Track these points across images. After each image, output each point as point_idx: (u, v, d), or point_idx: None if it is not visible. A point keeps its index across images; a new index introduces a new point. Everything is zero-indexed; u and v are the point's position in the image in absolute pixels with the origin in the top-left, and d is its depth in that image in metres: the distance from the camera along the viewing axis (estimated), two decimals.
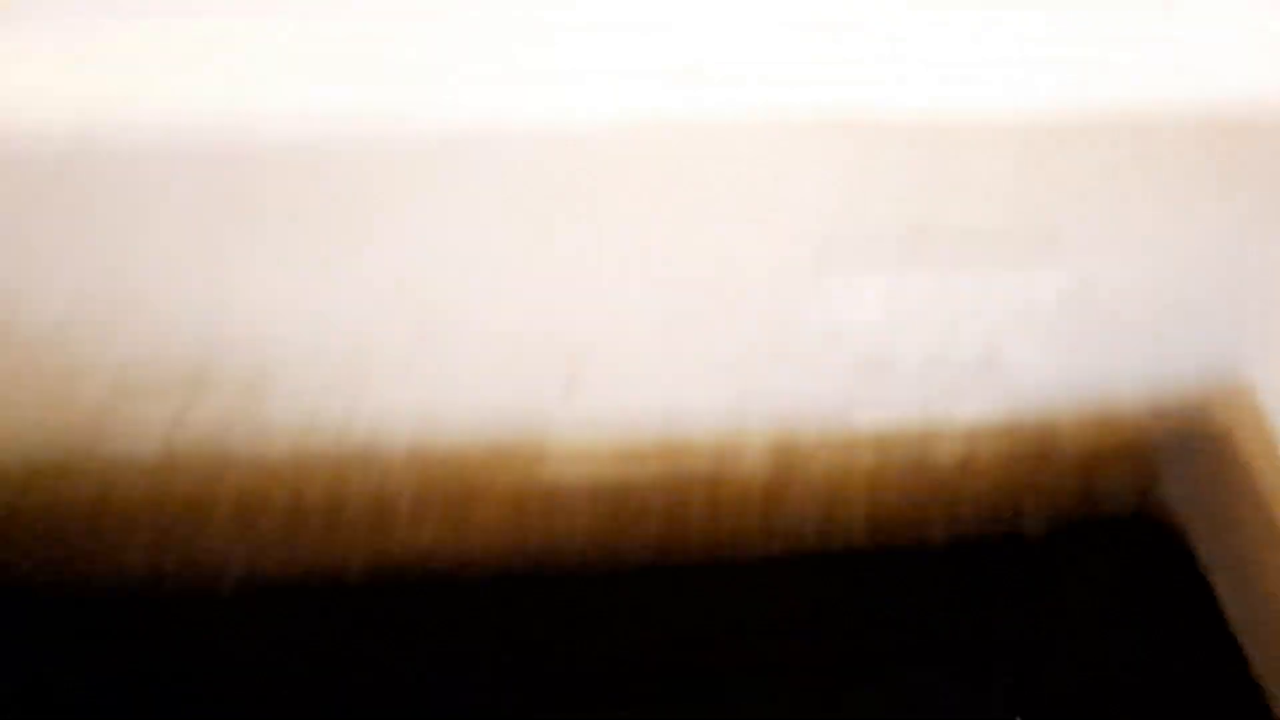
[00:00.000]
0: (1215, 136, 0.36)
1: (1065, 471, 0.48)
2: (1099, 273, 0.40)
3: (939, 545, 0.49)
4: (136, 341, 0.35)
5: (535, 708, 0.42)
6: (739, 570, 0.47)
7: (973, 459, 0.46)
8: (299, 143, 0.31)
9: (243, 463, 0.39)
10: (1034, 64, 0.35)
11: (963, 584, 0.50)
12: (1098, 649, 0.48)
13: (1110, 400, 0.45)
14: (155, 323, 0.35)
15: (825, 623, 0.48)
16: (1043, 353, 0.42)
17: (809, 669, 0.46)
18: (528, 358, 0.38)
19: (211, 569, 0.42)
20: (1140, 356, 0.44)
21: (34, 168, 0.31)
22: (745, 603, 0.48)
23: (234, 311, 0.35)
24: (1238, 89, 0.37)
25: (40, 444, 0.38)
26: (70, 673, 0.41)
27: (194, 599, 0.42)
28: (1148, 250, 0.40)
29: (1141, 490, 0.50)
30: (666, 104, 0.33)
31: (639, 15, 0.34)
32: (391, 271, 0.35)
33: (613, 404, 0.40)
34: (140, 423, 0.38)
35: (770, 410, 0.42)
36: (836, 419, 0.43)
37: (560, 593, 0.45)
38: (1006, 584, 0.50)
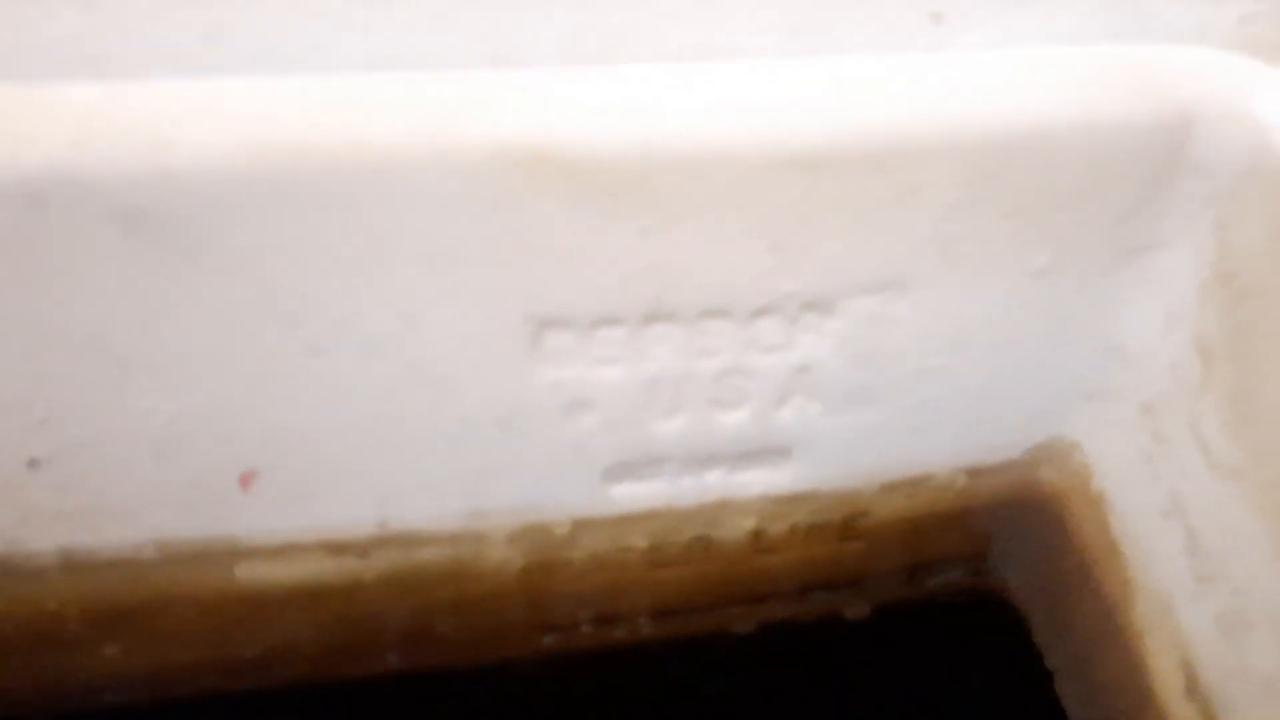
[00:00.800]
0: (1013, 173, 0.30)
1: (881, 545, 0.42)
2: (890, 329, 0.34)
3: (745, 632, 0.43)
4: None
5: None
6: (503, 669, 0.41)
7: (766, 536, 0.40)
8: None
9: None
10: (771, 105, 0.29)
11: (774, 672, 0.43)
12: None
13: (922, 466, 0.39)
14: None
15: None
16: (833, 416, 0.36)
17: None
18: (204, 449, 0.31)
19: None
20: (952, 417, 0.38)
21: None
22: (512, 706, 0.41)
23: None
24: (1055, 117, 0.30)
25: None
26: None
27: None
28: (951, 302, 0.34)
29: (972, 561, 0.44)
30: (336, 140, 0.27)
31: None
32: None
33: (318, 493, 0.34)
34: None
35: (512, 494, 0.35)
36: (594, 500, 0.36)
37: (281, 713, 0.38)
38: (826, 670, 0.44)
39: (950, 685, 0.45)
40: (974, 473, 0.41)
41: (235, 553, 0.35)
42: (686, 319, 0.32)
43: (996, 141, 0.30)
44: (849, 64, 0.31)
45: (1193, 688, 0.34)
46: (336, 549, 0.36)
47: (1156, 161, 0.31)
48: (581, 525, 0.38)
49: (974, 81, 0.30)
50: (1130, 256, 0.34)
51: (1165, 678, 0.35)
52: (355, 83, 0.27)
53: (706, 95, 0.29)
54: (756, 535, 0.40)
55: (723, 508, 0.39)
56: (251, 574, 0.35)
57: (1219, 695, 0.33)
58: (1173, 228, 0.33)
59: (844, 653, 0.45)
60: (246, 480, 0.33)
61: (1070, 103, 0.30)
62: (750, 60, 0.30)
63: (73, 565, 0.33)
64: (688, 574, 0.41)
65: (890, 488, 0.40)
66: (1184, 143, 0.31)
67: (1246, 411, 0.31)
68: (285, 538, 0.35)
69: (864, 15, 0.31)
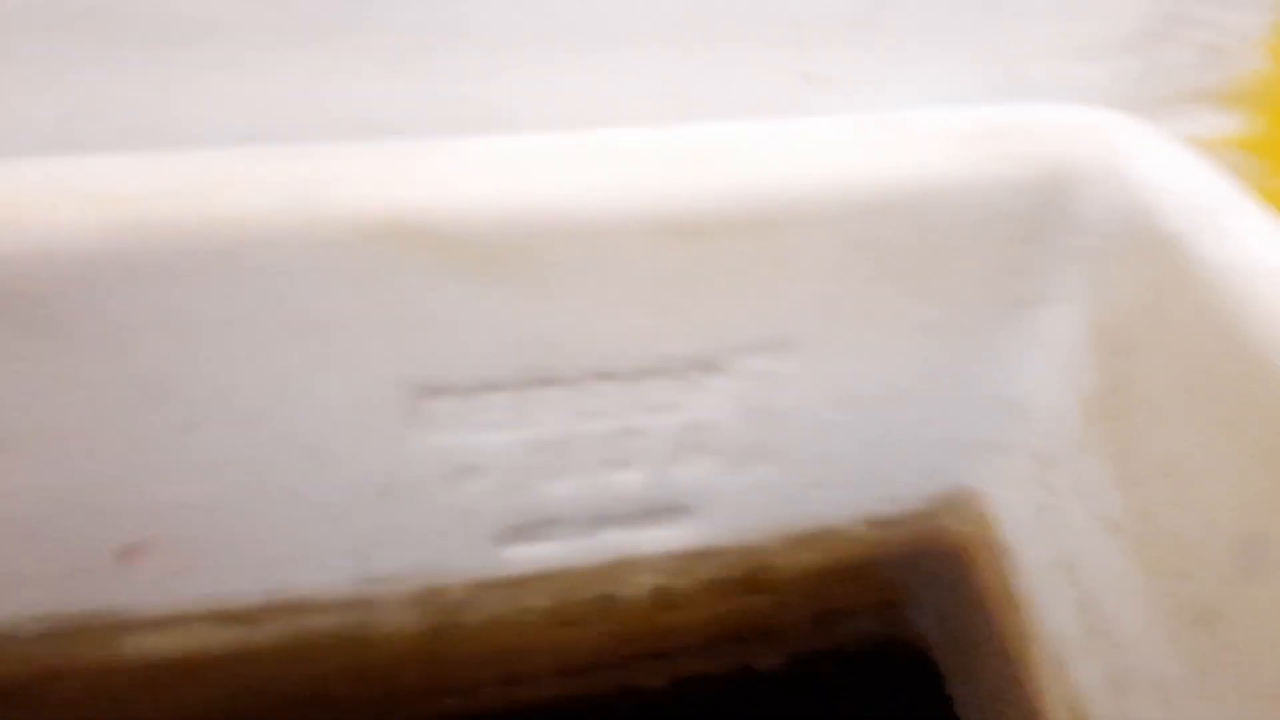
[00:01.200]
0: (900, 221, 0.31)
1: (789, 597, 0.42)
2: (782, 386, 0.34)
3: (655, 687, 0.43)
4: None
5: None
6: None
7: (670, 592, 0.40)
8: None
9: None
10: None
11: None
12: None
13: (825, 519, 0.39)
14: None
15: None
16: (730, 473, 0.36)
17: None
18: (78, 525, 0.31)
19: None
20: (852, 470, 0.38)
21: None
22: None
23: None
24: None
25: None
26: None
27: None
28: (842, 358, 0.34)
29: (884, 611, 0.44)
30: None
31: None
32: None
33: (202, 564, 0.33)
34: None
35: (403, 559, 0.35)
36: (489, 563, 0.36)
37: None
38: None
39: None
40: (878, 524, 0.41)
41: (121, 625, 0.34)
42: (572, 382, 0.32)
43: (874, 203, 0.30)
44: (726, 129, 0.31)
45: None
46: (225, 619, 0.35)
47: (1034, 219, 0.31)
48: (478, 588, 0.37)
49: (850, 144, 0.31)
50: (1016, 311, 0.34)
51: None
52: (219, 156, 0.27)
53: (582, 163, 0.29)
54: (660, 592, 0.40)
55: (623, 566, 0.38)
56: (139, 647, 0.35)
57: None
58: (1054, 284, 0.33)
59: (757, 705, 0.45)
60: (128, 554, 0.32)
61: (946, 163, 0.31)
62: (626, 127, 0.30)
63: None
64: (592, 633, 0.41)
65: (794, 541, 0.40)
66: (1060, 200, 0.31)
67: (1127, 466, 0.31)
68: (172, 609, 0.34)
69: (742, 79, 0.32)
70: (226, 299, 0.27)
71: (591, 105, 0.30)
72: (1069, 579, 0.35)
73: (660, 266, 0.30)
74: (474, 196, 0.28)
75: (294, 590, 0.35)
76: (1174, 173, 0.31)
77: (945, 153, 0.31)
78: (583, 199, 0.28)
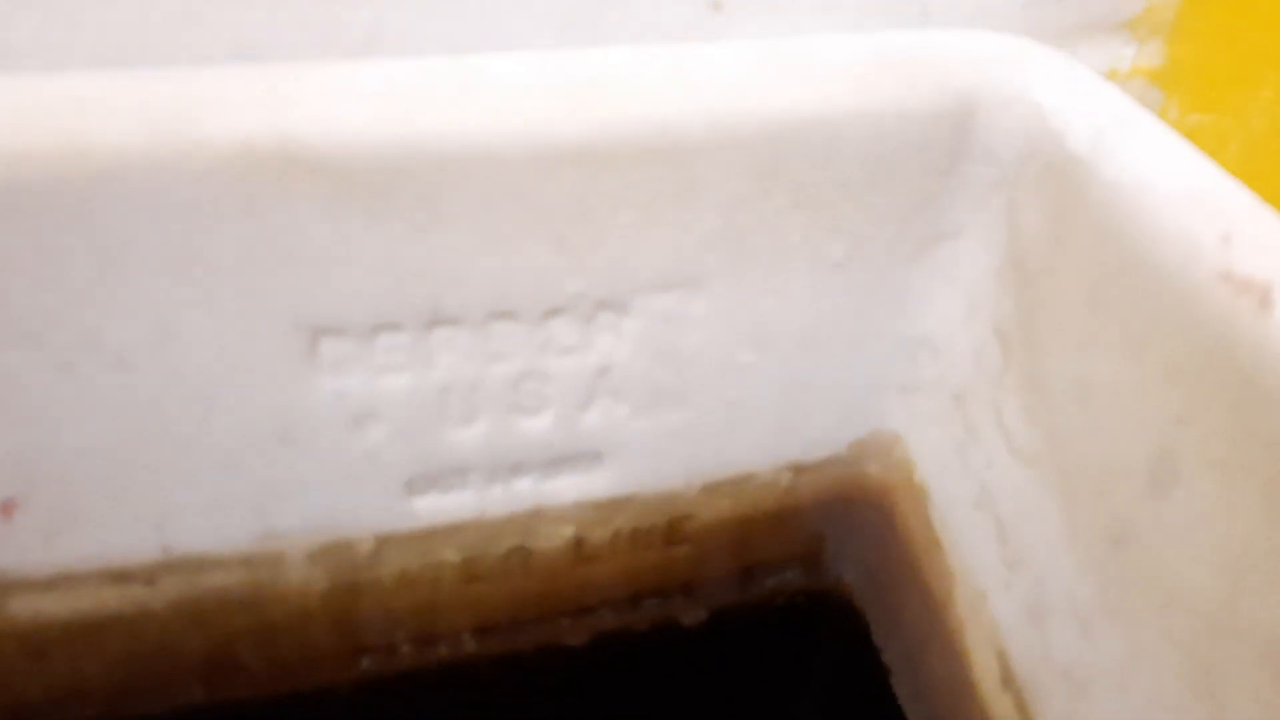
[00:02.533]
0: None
1: (710, 548, 0.42)
2: (690, 327, 0.33)
3: (576, 644, 0.42)
4: None
5: None
6: (320, 696, 0.39)
7: (587, 544, 0.39)
8: None
9: None
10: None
11: (609, 683, 0.43)
12: None
13: (742, 465, 0.39)
14: None
15: None
16: (641, 418, 0.35)
17: None
18: None
19: None
20: (767, 414, 0.38)
21: None
22: None
23: None
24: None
25: None
26: None
27: None
28: (751, 297, 0.33)
29: (807, 561, 0.44)
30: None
31: None
32: None
33: (89, 519, 0.32)
34: None
35: (306, 512, 0.34)
36: (396, 514, 0.35)
37: None
38: (663, 678, 0.43)
39: (791, 687, 0.45)
40: (798, 469, 0.41)
41: (5, 587, 0.33)
42: (473, 322, 0.31)
43: (777, 132, 0.30)
44: (625, 54, 0.30)
45: (1007, 679, 0.34)
46: (117, 578, 0.34)
47: (942, 148, 0.31)
48: (386, 541, 0.36)
49: (753, 71, 0.30)
50: (927, 245, 0.34)
51: (983, 670, 0.36)
52: (82, 80, 0.26)
53: (472, 88, 0.28)
54: (577, 544, 0.40)
55: (537, 516, 0.38)
56: (25, 609, 0.34)
57: (1029, 685, 0.33)
58: (965, 215, 0.33)
59: (681, 660, 0.44)
60: (5, 509, 0.31)
61: (851, 91, 0.30)
62: (520, 51, 0.29)
63: None
64: (508, 587, 0.40)
65: (712, 489, 0.40)
66: (968, 128, 0.31)
67: (1040, 396, 0.31)
68: (59, 568, 0.33)
69: (644, 3, 0.31)
70: (95, 233, 0.26)
71: (485, 29, 0.29)
72: (987, 516, 0.35)
73: (558, 199, 0.29)
74: (359, 123, 0.27)
75: (190, 546, 0.34)
76: (1083, 99, 0.31)
77: (853, 80, 0.31)
78: (473, 127, 0.28)
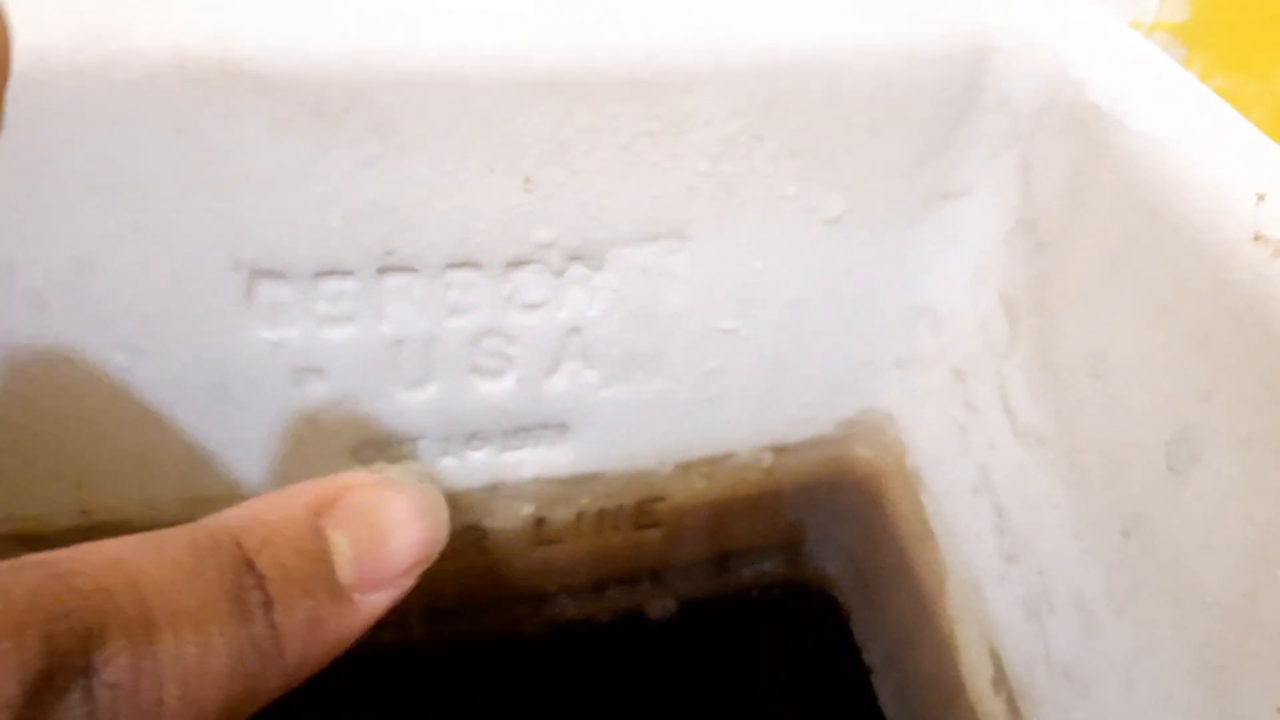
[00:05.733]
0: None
1: (683, 533, 0.40)
2: (670, 285, 0.32)
3: (532, 634, 0.41)
4: None
5: None
6: None
7: (548, 524, 0.38)
8: None
9: None
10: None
11: (566, 679, 0.41)
12: None
13: (721, 443, 0.38)
14: None
15: None
16: (613, 386, 0.34)
17: None
18: None
19: None
20: (750, 388, 0.36)
21: None
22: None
23: None
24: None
25: None
26: None
27: None
28: (738, 254, 0.32)
29: (786, 549, 0.43)
30: None
31: None
32: None
33: (1, 479, 0.30)
34: None
35: (241, 476, 0.33)
36: None
37: None
38: (626, 677, 0.42)
39: (766, 688, 0.44)
40: (780, 450, 0.39)
41: None
42: (428, 270, 0.30)
43: (775, 68, 0.29)
44: None
45: (1000, 678, 0.33)
46: (33, 542, 0.32)
47: (952, 94, 0.30)
48: None
49: (750, 2, 0.29)
50: (932, 203, 0.32)
51: (973, 669, 0.35)
52: None
53: (435, 5, 0.27)
54: (538, 523, 0.38)
55: (495, 492, 0.37)
56: None
57: (1024, 684, 0.32)
58: (975, 171, 0.32)
59: (647, 657, 0.43)
60: None
61: (861, 23, 0.29)
62: None
63: None
64: (461, 568, 0.39)
65: (687, 468, 0.39)
66: (982, 73, 0.30)
67: (1050, 371, 0.30)
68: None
69: None
70: (6, 151, 0.24)
71: None
72: (986, 502, 0.34)
73: (527, 132, 0.28)
74: (308, 37, 0.25)
75: (113, 511, 0.33)
76: (1107, 46, 0.29)
77: (860, 12, 0.29)
78: (435, 46, 0.26)
